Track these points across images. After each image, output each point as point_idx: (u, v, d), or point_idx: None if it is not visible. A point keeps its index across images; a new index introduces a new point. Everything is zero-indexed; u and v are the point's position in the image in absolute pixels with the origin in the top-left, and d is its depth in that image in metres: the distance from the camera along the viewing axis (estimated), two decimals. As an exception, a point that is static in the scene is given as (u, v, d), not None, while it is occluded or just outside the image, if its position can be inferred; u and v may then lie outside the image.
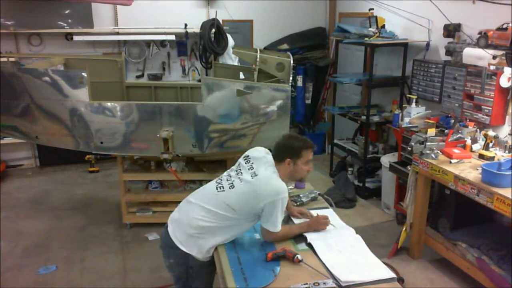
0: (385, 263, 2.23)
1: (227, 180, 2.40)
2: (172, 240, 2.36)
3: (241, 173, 2.39)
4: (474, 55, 3.75)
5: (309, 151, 2.39)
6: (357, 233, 2.50)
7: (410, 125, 4.35)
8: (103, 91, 4.55)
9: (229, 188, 2.35)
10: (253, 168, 2.37)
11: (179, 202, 2.57)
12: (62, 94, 3.81)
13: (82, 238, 4.34)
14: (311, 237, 2.40)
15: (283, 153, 2.37)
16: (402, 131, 4.42)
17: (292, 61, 4.16)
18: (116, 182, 4.83)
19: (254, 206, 2.28)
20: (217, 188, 2.38)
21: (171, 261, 2.42)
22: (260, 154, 2.45)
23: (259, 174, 2.32)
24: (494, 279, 3.19)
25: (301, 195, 2.91)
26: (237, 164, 2.49)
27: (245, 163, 2.42)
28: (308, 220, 2.56)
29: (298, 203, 2.85)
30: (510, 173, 3.02)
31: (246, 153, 2.51)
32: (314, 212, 2.68)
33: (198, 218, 2.33)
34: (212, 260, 2.39)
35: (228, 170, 2.51)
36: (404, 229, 3.97)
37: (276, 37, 6.69)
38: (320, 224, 2.49)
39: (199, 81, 5.63)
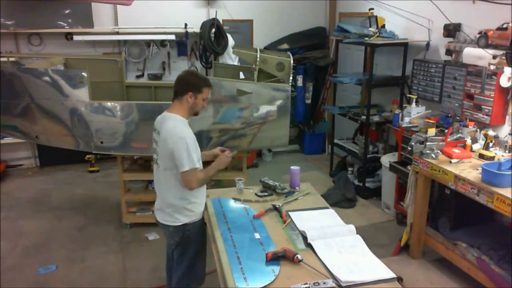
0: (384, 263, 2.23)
1: (154, 154, 2.73)
2: (165, 224, 2.72)
3: (155, 140, 2.71)
4: (474, 55, 3.75)
5: (208, 89, 2.67)
6: (357, 233, 2.50)
7: (410, 125, 4.35)
8: (103, 91, 4.55)
9: (157, 157, 2.69)
10: (156, 129, 2.70)
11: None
12: (62, 94, 3.82)
13: (82, 238, 4.34)
14: (311, 237, 2.40)
15: (187, 86, 2.61)
16: (402, 131, 4.42)
17: (292, 61, 4.16)
18: (116, 182, 4.83)
19: (170, 154, 2.55)
20: (154, 165, 2.75)
21: (171, 230, 2.72)
22: (160, 117, 2.71)
23: (161, 130, 2.61)
24: (494, 279, 3.19)
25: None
26: (153, 141, 2.76)
27: (155, 133, 2.71)
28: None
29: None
30: (510, 173, 3.01)
31: (154, 124, 2.75)
32: (315, 212, 2.71)
33: (166, 196, 2.68)
34: (203, 221, 2.77)
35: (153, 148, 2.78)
36: (406, 230, 3.97)
37: (276, 37, 6.69)
38: (224, 157, 2.80)
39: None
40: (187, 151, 2.51)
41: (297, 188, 3.09)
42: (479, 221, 3.73)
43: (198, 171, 2.60)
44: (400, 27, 5.14)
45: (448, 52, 4.26)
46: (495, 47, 3.53)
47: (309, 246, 2.35)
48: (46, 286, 3.59)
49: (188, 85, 2.61)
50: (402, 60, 5.02)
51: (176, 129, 2.55)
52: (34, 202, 5.16)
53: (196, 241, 2.75)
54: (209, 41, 5.77)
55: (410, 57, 4.95)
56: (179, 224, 2.67)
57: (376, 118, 5.21)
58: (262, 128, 3.95)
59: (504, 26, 3.45)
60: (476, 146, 3.73)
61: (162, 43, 6.26)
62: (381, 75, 5.40)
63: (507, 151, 3.58)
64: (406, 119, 4.41)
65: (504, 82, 3.67)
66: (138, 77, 6.28)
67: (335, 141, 5.98)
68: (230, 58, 6.07)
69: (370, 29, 5.12)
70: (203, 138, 3.90)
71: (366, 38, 4.91)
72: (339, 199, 5.01)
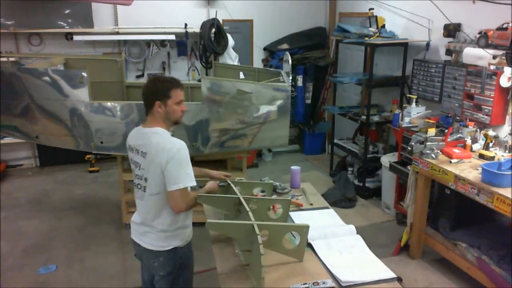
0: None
1: (137, 178, 2.35)
2: (152, 249, 2.34)
3: (136, 162, 2.32)
4: (474, 55, 3.74)
5: (177, 90, 2.28)
6: (357, 233, 2.50)
7: (410, 125, 4.35)
8: (103, 91, 4.55)
9: (142, 181, 2.30)
10: (138, 150, 2.29)
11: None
12: (62, 94, 3.82)
13: (82, 238, 4.34)
14: (311, 237, 2.40)
15: (151, 97, 2.25)
16: (402, 131, 4.42)
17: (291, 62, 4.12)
18: (116, 182, 4.83)
19: (162, 174, 2.19)
20: (137, 190, 2.38)
21: (161, 260, 2.35)
22: (135, 134, 2.36)
23: (147, 150, 2.24)
24: (494, 279, 3.19)
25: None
26: (131, 162, 2.39)
27: (133, 153, 2.34)
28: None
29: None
30: (510, 173, 3.01)
31: (127, 143, 2.39)
32: (315, 212, 2.68)
33: (154, 223, 2.31)
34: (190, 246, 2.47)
35: (133, 171, 2.41)
36: (406, 230, 3.97)
37: (276, 37, 6.69)
38: (215, 184, 2.53)
39: (199, 81, 5.63)
40: (185, 166, 2.19)
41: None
42: (479, 221, 3.73)
43: (191, 191, 2.28)
44: (400, 27, 5.14)
45: (448, 52, 4.26)
46: (495, 47, 3.53)
47: (309, 246, 2.35)
48: (46, 286, 3.59)
49: (152, 94, 2.25)
50: (402, 60, 5.02)
51: (167, 143, 2.20)
52: (34, 202, 5.16)
53: (188, 267, 2.48)
54: (209, 41, 5.77)
55: (410, 57, 4.95)
56: (169, 248, 2.32)
57: (376, 118, 5.21)
58: (262, 128, 3.94)
59: (504, 26, 3.45)
60: (476, 146, 3.73)
61: (162, 43, 6.26)
62: (381, 75, 5.40)
63: (507, 151, 3.58)
64: (406, 119, 4.41)
65: (504, 82, 3.67)
66: (138, 77, 6.28)
67: (335, 141, 5.98)
68: (230, 58, 6.08)
69: (370, 29, 5.12)
70: (203, 138, 3.91)
71: (366, 38, 4.91)
72: (339, 199, 5.01)
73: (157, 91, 2.26)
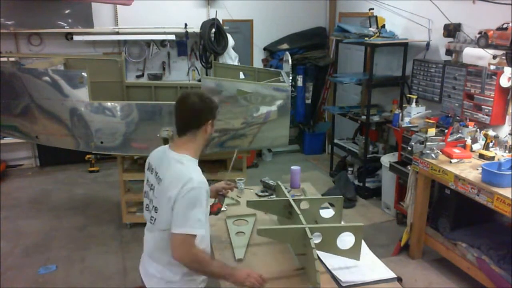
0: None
1: (146, 199, 2.05)
2: None
3: (150, 184, 2.00)
4: (474, 55, 3.75)
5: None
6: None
7: (410, 125, 4.35)
8: (103, 91, 4.55)
9: (151, 204, 1.98)
10: (157, 172, 1.96)
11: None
12: (62, 94, 3.82)
13: (82, 238, 4.34)
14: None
15: (203, 115, 1.92)
16: (402, 131, 4.42)
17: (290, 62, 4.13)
18: (116, 182, 4.83)
19: (170, 210, 1.83)
20: (146, 213, 2.04)
21: None
22: (159, 154, 2.04)
23: (164, 176, 1.91)
24: (494, 279, 3.19)
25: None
26: (145, 179, 2.09)
27: (151, 174, 2.02)
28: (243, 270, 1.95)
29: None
30: (510, 173, 3.01)
31: (148, 160, 2.10)
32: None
33: (160, 267, 1.99)
34: None
35: (144, 192, 2.09)
36: (406, 230, 3.97)
37: (276, 37, 6.69)
38: (248, 279, 1.89)
39: (199, 81, 5.63)
40: (197, 209, 1.80)
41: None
42: (479, 221, 3.73)
43: (201, 248, 1.89)
44: (400, 27, 5.14)
45: (448, 52, 4.26)
46: (495, 47, 3.53)
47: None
48: (46, 286, 3.59)
49: (207, 112, 1.93)
50: (402, 60, 5.02)
51: (185, 176, 1.82)
52: (34, 202, 5.16)
53: None
54: (209, 41, 5.77)
55: (410, 57, 4.95)
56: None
57: (376, 118, 5.21)
58: (262, 128, 3.94)
59: (504, 26, 3.45)
60: (476, 146, 3.73)
61: (162, 43, 6.26)
62: (381, 75, 5.40)
63: (507, 151, 3.58)
64: (406, 119, 4.42)
65: (504, 82, 3.67)
66: (138, 77, 6.28)
67: (335, 141, 5.98)
68: (230, 58, 6.08)
69: (370, 29, 5.12)
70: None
71: (366, 38, 4.91)
72: (339, 199, 5.01)
73: (211, 108, 1.96)
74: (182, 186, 1.80)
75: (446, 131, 3.80)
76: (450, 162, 3.51)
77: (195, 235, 1.81)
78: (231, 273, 1.90)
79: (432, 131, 3.77)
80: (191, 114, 1.92)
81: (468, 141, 3.75)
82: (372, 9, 5.25)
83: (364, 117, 5.17)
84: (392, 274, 2.11)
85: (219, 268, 1.90)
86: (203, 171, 1.92)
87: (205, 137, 1.97)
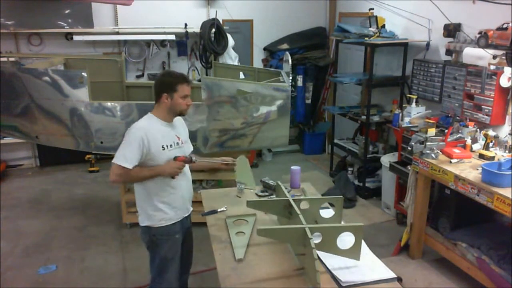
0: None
1: None
2: (140, 224, 2.66)
3: None
4: (474, 55, 3.75)
5: (184, 85, 2.51)
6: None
7: (410, 125, 4.35)
8: (103, 91, 4.55)
9: None
10: None
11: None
12: (62, 94, 3.82)
13: (82, 238, 4.34)
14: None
15: (159, 89, 2.50)
16: (402, 131, 4.42)
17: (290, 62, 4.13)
18: (116, 182, 4.82)
19: None
20: None
21: (140, 230, 2.66)
22: None
23: None
24: (494, 279, 3.19)
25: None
26: None
27: None
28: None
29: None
30: (510, 173, 3.01)
31: None
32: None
33: (135, 195, 2.64)
34: (175, 228, 2.61)
35: None
36: (406, 230, 3.98)
37: (276, 37, 6.69)
38: (172, 166, 2.50)
39: (199, 81, 5.63)
40: (125, 147, 2.39)
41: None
42: (479, 221, 3.73)
43: (129, 168, 2.38)
44: (400, 27, 5.14)
45: (448, 52, 4.26)
46: (495, 47, 3.53)
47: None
48: (46, 286, 3.59)
49: (162, 86, 2.51)
50: (402, 60, 5.02)
51: (135, 123, 2.49)
52: (34, 202, 5.16)
53: (162, 248, 2.61)
54: (209, 41, 5.77)
55: (410, 57, 4.95)
56: (143, 225, 2.61)
57: (376, 118, 5.21)
58: (262, 128, 3.94)
59: (504, 26, 3.45)
60: (476, 146, 3.73)
61: (162, 43, 6.26)
62: (381, 75, 5.40)
63: (507, 151, 3.58)
64: (406, 119, 4.42)
65: (504, 82, 3.67)
66: (138, 77, 6.28)
67: (335, 141, 5.98)
68: (230, 58, 6.08)
69: (370, 29, 5.12)
70: (202, 138, 3.91)
71: (366, 38, 4.91)
72: (339, 199, 5.01)
73: (165, 84, 2.50)
74: (130, 129, 2.45)
75: (446, 131, 3.80)
76: (450, 162, 3.51)
77: (120, 166, 2.36)
78: (163, 168, 2.47)
79: (432, 131, 3.77)
80: (154, 88, 2.58)
81: (468, 141, 3.75)
82: (372, 9, 5.25)
83: (364, 117, 5.16)
84: (392, 274, 2.11)
85: (150, 171, 2.46)
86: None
87: (166, 107, 2.50)
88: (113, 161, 2.38)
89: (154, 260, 2.66)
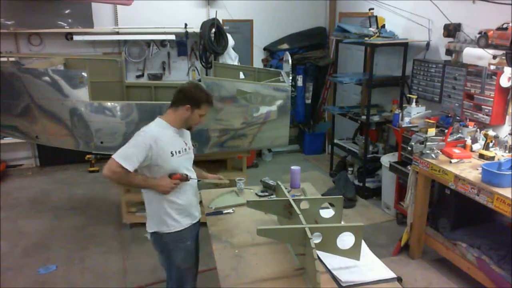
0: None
1: None
2: (147, 230, 2.64)
3: None
4: (474, 55, 3.75)
5: (207, 106, 2.53)
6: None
7: (410, 125, 4.35)
8: (103, 91, 4.55)
9: None
10: None
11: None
12: (62, 94, 3.81)
13: (82, 238, 4.34)
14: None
15: (185, 99, 2.46)
16: (402, 131, 4.42)
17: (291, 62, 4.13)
18: (116, 182, 4.82)
19: None
20: None
21: (150, 240, 2.65)
22: None
23: None
24: (494, 279, 3.19)
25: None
26: None
27: None
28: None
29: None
30: (510, 173, 3.01)
31: None
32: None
33: (145, 201, 2.62)
34: (186, 234, 2.60)
35: None
36: (406, 230, 3.98)
37: (276, 37, 6.69)
38: (165, 186, 2.46)
39: (199, 81, 5.63)
40: (130, 147, 2.36)
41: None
42: (479, 221, 3.73)
43: (127, 169, 2.32)
44: (400, 27, 5.14)
45: (448, 52, 4.26)
46: (495, 47, 3.53)
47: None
48: (46, 286, 3.59)
49: (189, 97, 2.46)
50: (402, 60, 5.02)
51: (144, 127, 2.46)
52: (34, 202, 5.16)
53: (176, 257, 2.60)
54: (209, 41, 5.77)
55: (410, 57, 4.95)
56: (151, 231, 2.59)
57: (376, 118, 5.21)
58: (262, 128, 3.94)
59: (504, 26, 3.45)
60: (476, 146, 3.73)
61: (162, 43, 6.26)
62: (381, 75, 5.40)
63: (507, 151, 3.58)
64: (406, 119, 4.42)
65: (504, 82, 3.67)
66: (138, 77, 6.28)
67: (335, 141, 5.98)
68: (230, 58, 6.08)
69: (370, 29, 5.12)
70: (203, 138, 3.91)
71: (366, 38, 4.91)
72: (339, 199, 5.01)
73: (193, 97, 2.47)
74: (138, 132, 2.44)
75: (446, 131, 3.80)
76: (450, 162, 3.51)
77: (120, 164, 2.30)
78: (156, 183, 2.44)
79: (432, 131, 3.77)
80: (177, 92, 2.50)
81: (468, 141, 3.75)
82: (372, 9, 5.25)
83: (364, 117, 5.16)
84: (392, 274, 2.11)
85: (144, 182, 2.46)
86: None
87: (182, 117, 2.48)
88: (113, 156, 2.33)
89: (170, 271, 2.66)
